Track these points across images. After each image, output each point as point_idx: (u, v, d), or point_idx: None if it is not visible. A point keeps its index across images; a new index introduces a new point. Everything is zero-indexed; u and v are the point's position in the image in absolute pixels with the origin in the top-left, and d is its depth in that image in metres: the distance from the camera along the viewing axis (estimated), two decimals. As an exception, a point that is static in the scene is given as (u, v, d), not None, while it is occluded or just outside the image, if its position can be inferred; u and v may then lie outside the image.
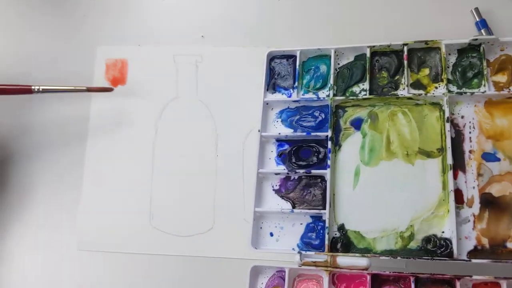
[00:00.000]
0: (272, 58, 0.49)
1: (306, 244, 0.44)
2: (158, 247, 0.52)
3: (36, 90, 0.52)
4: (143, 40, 0.59)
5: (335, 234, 0.44)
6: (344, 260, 0.41)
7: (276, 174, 0.46)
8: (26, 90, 0.52)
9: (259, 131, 0.47)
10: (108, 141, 0.56)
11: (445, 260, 0.40)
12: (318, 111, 0.47)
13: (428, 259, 0.40)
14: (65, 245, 0.54)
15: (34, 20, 0.62)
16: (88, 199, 0.55)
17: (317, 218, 0.44)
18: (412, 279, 0.40)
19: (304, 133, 0.46)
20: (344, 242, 0.43)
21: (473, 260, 0.39)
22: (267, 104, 0.48)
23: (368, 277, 0.41)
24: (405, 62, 0.46)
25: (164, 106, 0.56)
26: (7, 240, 0.55)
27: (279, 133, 0.47)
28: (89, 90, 0.54)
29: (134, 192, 0.54)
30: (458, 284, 0.39)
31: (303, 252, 0.42)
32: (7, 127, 0.58)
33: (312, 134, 0.46)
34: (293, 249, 0.44)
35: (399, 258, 0.41)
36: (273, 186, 0.46)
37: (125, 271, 0.52)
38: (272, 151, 0.48)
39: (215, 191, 0.52)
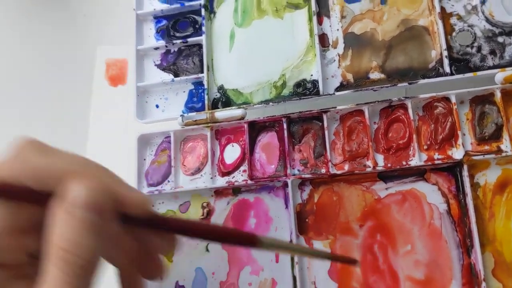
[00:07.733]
0: None
1: (190, 109, 0.45)
2: None
3: None
4: None
5: (216, 95, 0.45)
6: (222, 113, 0.43)
7: (155, 49, 0.47)
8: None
9: (134, 9, 0.47)
10: (109, 140, 0.56)
11: (311, 97, 0.42)
12: (192, -19, 0.48)
13: (296, 99, 0.42)
14: None
15: (35, 20, 0.62)
16: None
17: (199, 84, 0.46)
18: (284, 120, 0.42)
19: (179, 5, 0.47)
20: (224, 101, 0.45)
21: (336, 93, 0.42)
22: (140, -18, 0.48)
23: (246, 126, 0.43)
24: None
25: None
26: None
27: (154, 9, 0.47)
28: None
29: None
30: (325, 117, 0.41)
31: (185, 114, 0.44)
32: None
33: (186, 4, 0.47)
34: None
35: (271, 104, 0.43)
36: (154, 62, 0.47)
37: None
38: (151, 28, 0.48)
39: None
